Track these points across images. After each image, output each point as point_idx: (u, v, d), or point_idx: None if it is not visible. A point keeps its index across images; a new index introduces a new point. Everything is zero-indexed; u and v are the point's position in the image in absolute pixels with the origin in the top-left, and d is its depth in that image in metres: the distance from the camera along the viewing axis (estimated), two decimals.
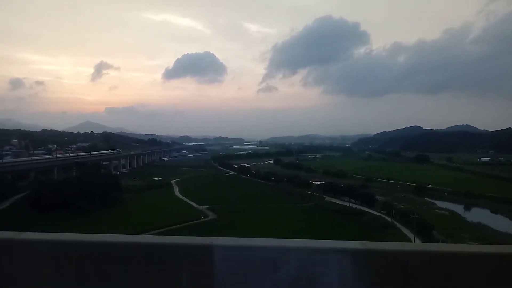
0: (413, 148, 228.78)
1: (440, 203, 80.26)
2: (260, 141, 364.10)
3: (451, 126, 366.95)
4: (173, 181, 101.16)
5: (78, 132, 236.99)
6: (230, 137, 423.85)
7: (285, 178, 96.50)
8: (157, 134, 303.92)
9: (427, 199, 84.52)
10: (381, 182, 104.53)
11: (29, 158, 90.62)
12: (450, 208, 74.93)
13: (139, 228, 54.55)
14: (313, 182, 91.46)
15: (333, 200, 76.61)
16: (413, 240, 46.08)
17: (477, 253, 2.15)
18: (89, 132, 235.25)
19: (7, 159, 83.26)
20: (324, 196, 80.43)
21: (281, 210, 70.25)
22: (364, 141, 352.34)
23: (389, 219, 59.62)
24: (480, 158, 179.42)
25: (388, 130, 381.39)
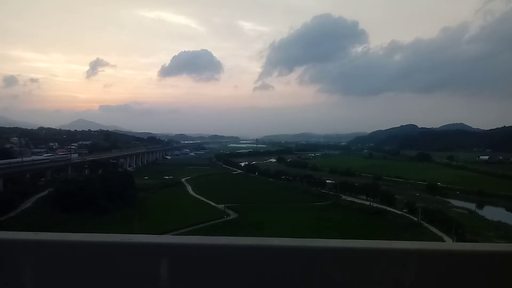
0: (410, 147, 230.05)
1: (454, 202, 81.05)
2: (257, 140, 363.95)
3: (445, 124, 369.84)
4: (183, 180, 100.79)
5: (76, 130, 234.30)
6: (226, 135, 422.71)
7: (297, 177, 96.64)
8: (152, 132, 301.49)
9: (439, 197, 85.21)
10: (390, 180, 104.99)
11: (54, 156, 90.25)
12: (466, 207, 75.71)
13: (166, 227, 54.50)
14: (327, 180, 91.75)
15: (349, 198, 76.98)
16: (453, 241, 46.40)
17: (476, 251, 2.15)
18: (87, 130, 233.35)
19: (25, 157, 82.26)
20: (340, 194, 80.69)
21: (301, 209, 70.42)
22: (361, 140, 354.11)
23: (413, 218, 60.02)
24: (479, 157, 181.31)
25: (383, 128, 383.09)
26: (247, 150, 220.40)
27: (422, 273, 2.07)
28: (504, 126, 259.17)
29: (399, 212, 64.18)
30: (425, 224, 56.07)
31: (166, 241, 2.14)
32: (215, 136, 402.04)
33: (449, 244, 2.21)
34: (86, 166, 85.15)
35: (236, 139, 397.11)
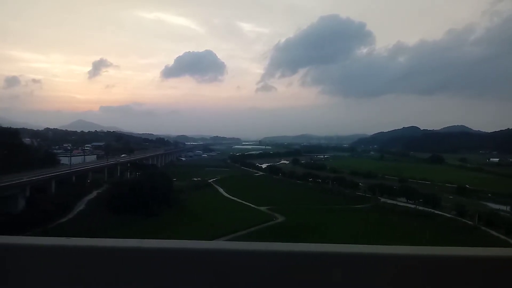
0: (414, 149, 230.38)
1: (490, 204, 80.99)
2: (260, 141, 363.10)
3: (446, 126, 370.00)
4: (211, 181, 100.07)
5: (82, 131, 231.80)
6: (227, 137, 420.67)
7: (328, 179, 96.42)
8: (153, 133, 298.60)
9: (477, 200, 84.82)
10: (417, 183, 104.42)
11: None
12: (504, 209, 75.65)
13: (222, 230, 54.02)
14: (360, 183, 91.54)
15: (389, 201, 76.66)
16: None
17: (475, 256, 2.15)
18: (93, 131, 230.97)
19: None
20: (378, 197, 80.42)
21: (345, 212, 69.95)
22: (363, 141, 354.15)
23: (466, 221, 59.86)
24: (489, 159, 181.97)
25: (385, 130, 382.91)
26: (257, 152, 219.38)
27: (420, 278, 2.09)
28: (508, 128, 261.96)
29: (449, 215, 63.94)
30: (483, 228, 55.87)
31: (170, 246, 2.15)
32: (216, 138, 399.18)
33: (446, 248, 2.05)
34: (120, 167, 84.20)
35: (237, 141, 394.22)
